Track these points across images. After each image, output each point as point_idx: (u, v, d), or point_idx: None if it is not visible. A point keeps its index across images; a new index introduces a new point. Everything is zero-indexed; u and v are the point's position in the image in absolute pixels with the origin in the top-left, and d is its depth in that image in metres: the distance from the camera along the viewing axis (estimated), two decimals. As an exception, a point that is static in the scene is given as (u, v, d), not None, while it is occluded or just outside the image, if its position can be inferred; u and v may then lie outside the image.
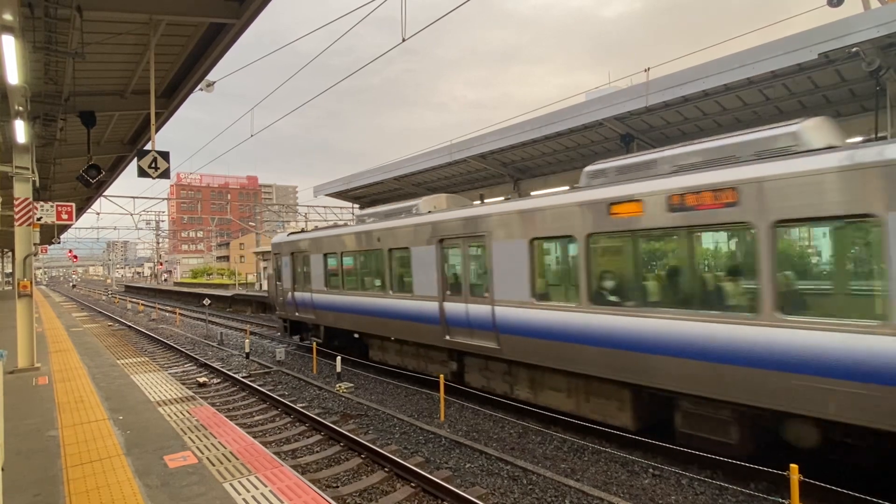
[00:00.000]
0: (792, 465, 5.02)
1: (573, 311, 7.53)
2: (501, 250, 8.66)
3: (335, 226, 15.04)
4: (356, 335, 13.38)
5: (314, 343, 14.43)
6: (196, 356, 15.69)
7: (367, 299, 12.29)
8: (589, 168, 7.99)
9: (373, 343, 12.97)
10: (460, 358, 10.19)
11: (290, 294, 15.87)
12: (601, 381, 7.48)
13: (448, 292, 9.92)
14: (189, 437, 6.13)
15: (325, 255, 13.95)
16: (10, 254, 42.07)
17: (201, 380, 12.55)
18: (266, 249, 43.78)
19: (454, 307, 9.71)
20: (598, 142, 13.67)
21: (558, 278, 8.48)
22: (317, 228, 16.00)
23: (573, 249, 7.67)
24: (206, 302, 22.79)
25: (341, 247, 13.27)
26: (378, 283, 12.09)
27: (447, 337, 9.92)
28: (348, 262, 13.41)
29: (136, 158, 8.43)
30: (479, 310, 9.14)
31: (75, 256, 70.10)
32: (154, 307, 34.18)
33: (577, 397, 8.00)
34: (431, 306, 10.16)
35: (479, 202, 11.42)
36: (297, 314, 15.77)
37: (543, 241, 8.27)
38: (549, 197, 8.22)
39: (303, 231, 16.50)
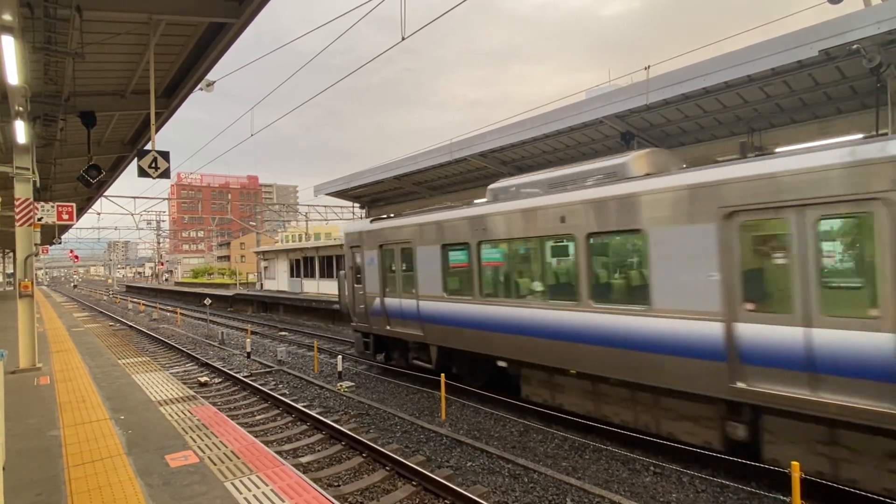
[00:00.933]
0: (794, 463, 5.03)
1: None
2: None
3: (451, 207, 10.92)
4: (501, 363, 9.47)
5: (419, 366, 11.39)
6: (197, 356, 15.72)
7: (531, 312, 8.61)
8: None
9: (531, 376, 8.99)
10: (754, 418, 6.27)
11: (377, 300, 12.40)
12: None
13: (748, 306, 6.10)
14: (190, 437, 6.14)
15: (446, 247, 10.36)
16: (11, 254, 42.14)
17: (202, 379, 12.56)
18: (266, 249, 43.72)
19: (768, 333, 5.91)
20: (598, 140, 13.65)
21: None
22: (420, 211, 11.98)
23: None
24: (208, 302, 22.86)
25: (479, 233, 9.55)
26: (558, 286, 8.55)
27: (738, 383, 6.08)
28: (492, 255, 9.69)
29: (136, 158, 8.44)
30: (846, 340, 5.32)
31: (76, 257, 70.13)
32: (155, 307, 34.21)
33: None
34: (699, 329, 6.44)
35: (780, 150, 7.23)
36: (388, 327, 12.10)
37: None
38: None
39: (392, 216, 12.69)
